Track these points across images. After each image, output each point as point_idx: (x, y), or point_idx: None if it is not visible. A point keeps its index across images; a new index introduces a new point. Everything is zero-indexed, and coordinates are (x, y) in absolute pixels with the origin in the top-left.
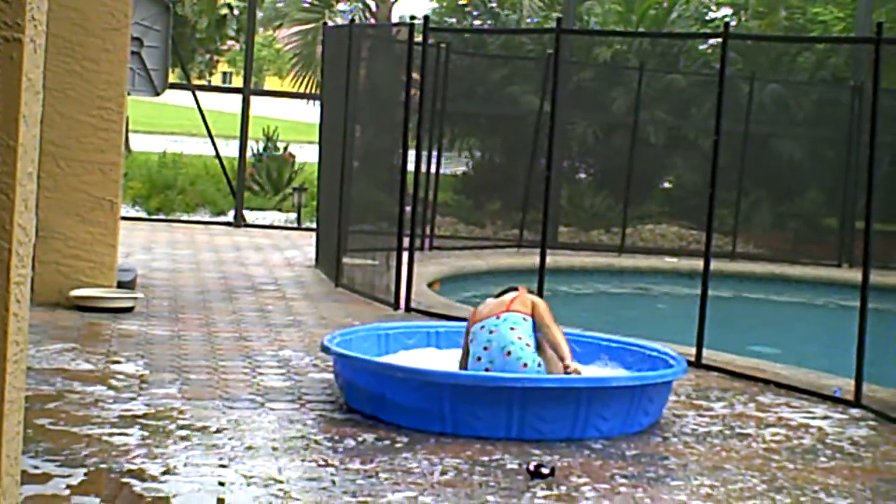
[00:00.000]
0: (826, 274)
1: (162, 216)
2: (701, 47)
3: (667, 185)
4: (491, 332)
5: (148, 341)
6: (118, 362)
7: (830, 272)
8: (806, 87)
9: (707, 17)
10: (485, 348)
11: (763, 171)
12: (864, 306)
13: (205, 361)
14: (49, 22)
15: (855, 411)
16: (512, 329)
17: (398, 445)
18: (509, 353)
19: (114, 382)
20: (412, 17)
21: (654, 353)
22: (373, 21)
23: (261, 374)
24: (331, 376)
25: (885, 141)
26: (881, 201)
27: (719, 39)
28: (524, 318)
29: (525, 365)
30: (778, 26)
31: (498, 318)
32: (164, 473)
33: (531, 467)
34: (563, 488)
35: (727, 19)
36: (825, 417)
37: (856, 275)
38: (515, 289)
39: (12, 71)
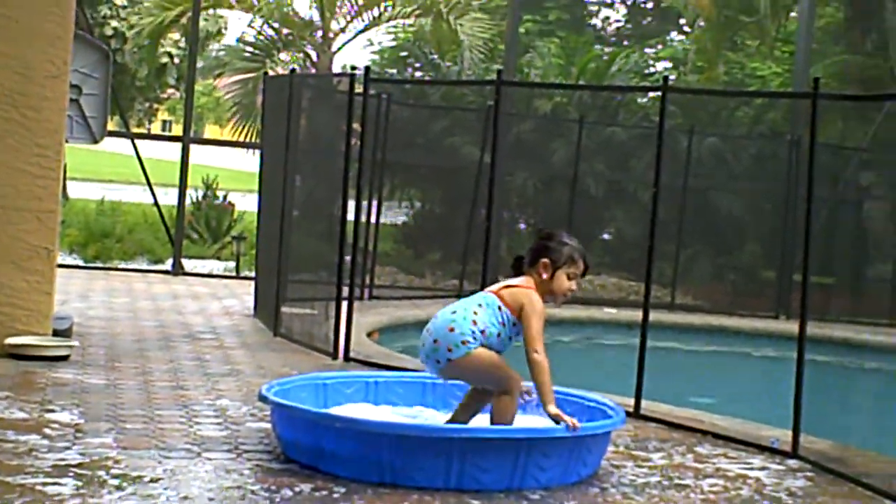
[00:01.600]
0: (764, 326)
1: (99, 264)
2: (641, 100)
3: (606, 236)
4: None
5: (83, 390)
6: (53, 411)
7: (768, 324)
8: (744, 140)
9: (647, 71)
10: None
11: (702, 224)
12: (801, 358)
13: (141, 410)
14: None
15: (792, 462)
16: (475, 311)
17: (336, 496)
18: (451, 328)
19: (48, 431)
20: (353, 68)
21: (593, 404)
22: (314, 71)
23: (197, 423)
24: (268, 426)
25: (822, 194)
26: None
27: (658, 93)
28: (499, 308)
29: (451, 329)
30: (717, 81)
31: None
32: None
33: None
34: None
35: (666, 73)
36: (763, 468)
37: (793, 326)
38: (537, 261)
39: None
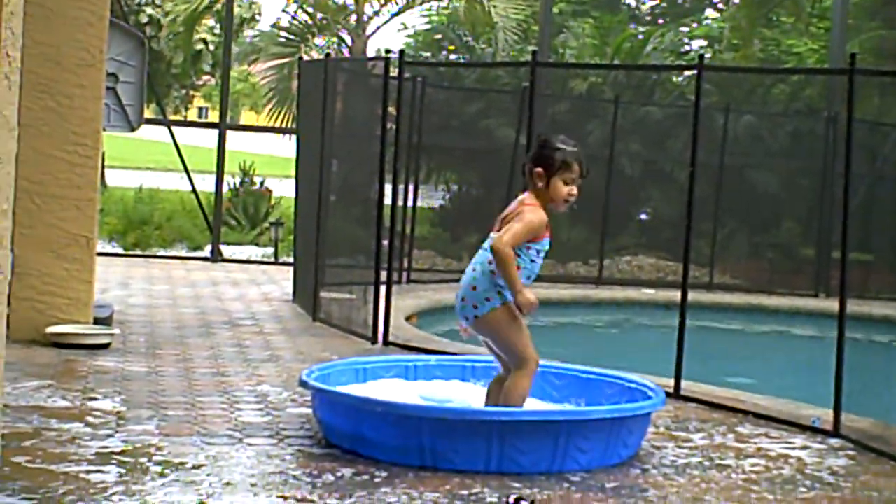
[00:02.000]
0: (803, 304)
1: (138, 252)
2: (676, 79)
3: (643, 216)
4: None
5: (125, 378)
6: (95, 399)
7: (807, 302)
8: (781, 118)
9: (682, 50)
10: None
11: (739, 202)
12: (841, 336)
13: (182, 397)
14: (23, 58)
15: (834, 441)
16: (489, 260)
17: (377, 480)
18: (474, 286)
19: (91, 419)
20: (388, 51)
21: (633, 385)
22: (348, 55)
23: (239, 409)
24: (309, 411)
25: (860, 171)
26: (857, 231)
27: (694, 71)
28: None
29: (474, 287)
30: (752, 58)
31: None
32: None
33: (511, 500)
34: None
35: (702, 51)
36: (804, 448)
37: (833, 304)
38: (533, 172)
39: None
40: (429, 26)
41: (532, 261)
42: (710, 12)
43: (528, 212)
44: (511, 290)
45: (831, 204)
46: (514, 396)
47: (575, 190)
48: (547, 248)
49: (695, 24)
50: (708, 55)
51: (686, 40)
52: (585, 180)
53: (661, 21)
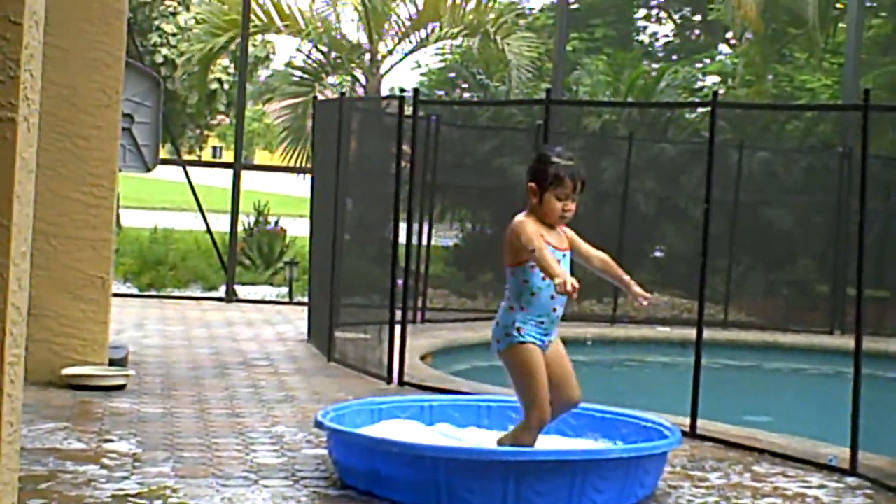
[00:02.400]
0: (818, 341)
1: (153, 292)
2: (690, 116)
3: (658, 254)
4: None
5: (140, 419)
6: (111, 441)
7: (823, 339)
8: (795, 154)
9: (695, 86)
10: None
11: (754, 239)
12: (857, 373)
13: (198, 439)
14: (41, 100)
15: (851, 480)
16: (507, 293)
17: None
18: (497, 321)
19: (106, 461)
20: (402, 90)
21: (649, 424)
22: (363, 93)
23: (254, 450)
24: (325, 452)
25: (875, 207)
26: (872, 267)
27: (708, 108)
28: (511, 274)
29: (497, 322)
30: (766, 94)
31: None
32: None
33: None
34: None
35: (715, 88)
36: (821, 486)
37: (848, 341)
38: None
39: (6, 150)
40: (443, 65)
41: (543, 277)
42: (723, 48)
43: (514, 225)
44: (551, 275)
45: (846, 240)
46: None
47: (571, 206)
48: (555, 257)
49: (707, 61)
50: (721, 91)
51: (699, 76)
52: (600, 218)
53: (674, 57)
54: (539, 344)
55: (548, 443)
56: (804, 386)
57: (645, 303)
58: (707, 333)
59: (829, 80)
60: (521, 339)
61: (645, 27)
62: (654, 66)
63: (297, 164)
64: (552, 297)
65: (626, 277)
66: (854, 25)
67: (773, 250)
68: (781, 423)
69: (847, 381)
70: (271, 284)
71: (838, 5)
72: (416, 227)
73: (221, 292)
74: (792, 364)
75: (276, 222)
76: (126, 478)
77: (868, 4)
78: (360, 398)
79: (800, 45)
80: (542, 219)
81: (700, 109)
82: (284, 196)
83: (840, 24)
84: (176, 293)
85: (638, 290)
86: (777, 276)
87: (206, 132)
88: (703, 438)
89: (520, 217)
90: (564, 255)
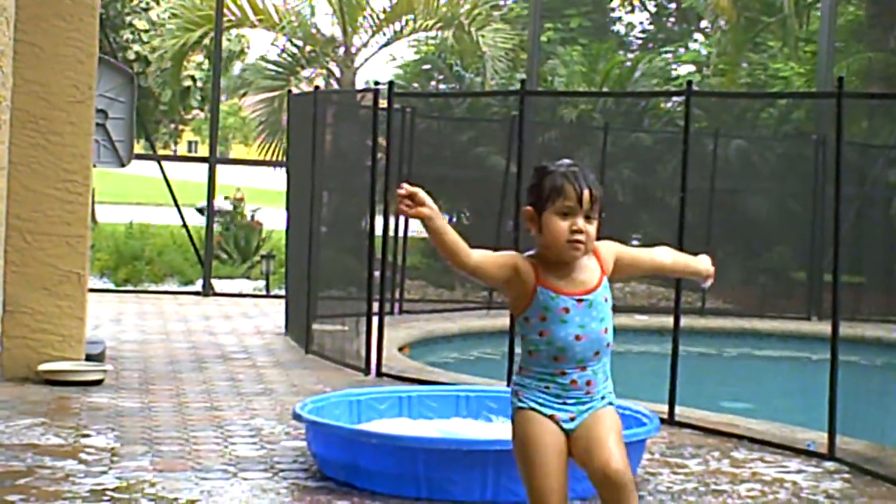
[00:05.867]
0: (796, 327)
1: (130, 287)
2: (665, 105)
3: (635, 242)
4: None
5: (118, 414)
6: (88, 436)
7: (800, 325)
8: (770, 141)
9: (670, 75)
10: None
11: (730, 227)
12: (834, 359)
13: (176, 432)
14: (13, 96)
15: (829, 464)
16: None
17: None
18: None
19: (84, 456)
20: (376, 83)
21: (627, 412)
22: (338, 87)
23: (233, 443)
24: (303, 444)
25: (850, 193)
26: (848, 253)
27: (683, 97)
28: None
29: None
30: (740, 83)
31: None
32: None
33: None
34: None
35: (690, 77)
36: (799, 471)
37: (825, 327)
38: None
39: None
40: (418, 57)
41: (540, 333)
42: (698, 36)
43: None
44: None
45: (822, 227)
46: None
47: (580, 224)
48: (558, 306)
49: (682, 50)
50: (696, 80)
51: (674, 65)
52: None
53: (649, 46)
54: (545, 413)
55: None
56: (782, 372)
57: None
58: (684, 321)
59: (802, 69)
60: (520, 404)
61: (620, 17)
62: (630, 55)
63: (274, 158)
64: (555, 360)
65: (697, 265)
66: (828, 13)
67: (750, 238)
68: (760, 410)
69: (824, 367)
70: (248, 278)
71: None
72: (392, 218)
73: (198, 286)
74: (769, 350)
75: (253, 216)
76: (104, 472)
77: None
78: (339, 390)
79: (773, 34)
80: (548, 255)
81: (675, 98)
82: (261, 190)
83: (814, 12)
84: (153, 288)
85: (703, 265)
86: (754, 263)
87: (181, 127)
88: (682, 425)
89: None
90: (584, 301)
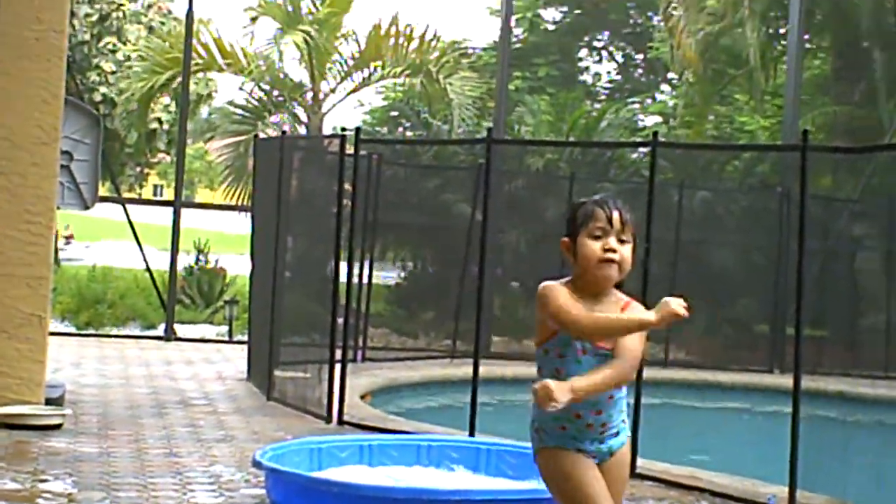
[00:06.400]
0: (758, 380)
1: (91, 331)
2: (631, 155)
3: None
4: None
5: (76, 458)
6: (46, 480)
7: (763, 378)
8: (735, 194)
9: (637, 126)
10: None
11: (695, 278)
12: (796, 412)
13: (134, 479)
14: None
15: None
16: None
17: None
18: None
19: (41, 502)
20: (343, 129)
21: None
22: (305, 132)
23: (192, 490)
24: (263, 492)
25: (814, 247)
26: (811, 307)
27: (649, 148)
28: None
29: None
30: (705, 135)
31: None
32: None
33: None
34: None
35: (656, 128)
36: None
37: (788, 380)
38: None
39: None
40: (385, 103)
41: (556, 370)
42: (665, 87)
43: (540, 290)
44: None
45: (786, 279)
46: None
47: (612, 243)
48: (577, 348)
49: (649, 101)
50: (662, 131)
51: (640, 116)
52: (541, 257)
53: (617, 95)
54: (570, 448)
55: (489, 484)
56: (744, 425)
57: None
58: (647, 372)
59: (767, 123)
60: (545, 443)
61: (587, 67)
62: (597, 105)
63: (240, 203)
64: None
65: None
66: (794, 66)
67: (714, 289)
68: (722, 462)
69: (786, 420)
70: (211, 323)
71: (779, 46)
72: (357, 265)
73: (161, 331)
74: (732, 403)
75: (217, 261)
76: None
77: (808, 46)
78: (300, 437)
79: (740, 86)
80: (582, 283)
81: (641, 149)
82: (226, 235)
83: (780, 65)
84: (114, 332)
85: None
86: (718, 314)
87: (146, 170)
88: (644, 478)
89: (548, 282)
90: (601, 353)
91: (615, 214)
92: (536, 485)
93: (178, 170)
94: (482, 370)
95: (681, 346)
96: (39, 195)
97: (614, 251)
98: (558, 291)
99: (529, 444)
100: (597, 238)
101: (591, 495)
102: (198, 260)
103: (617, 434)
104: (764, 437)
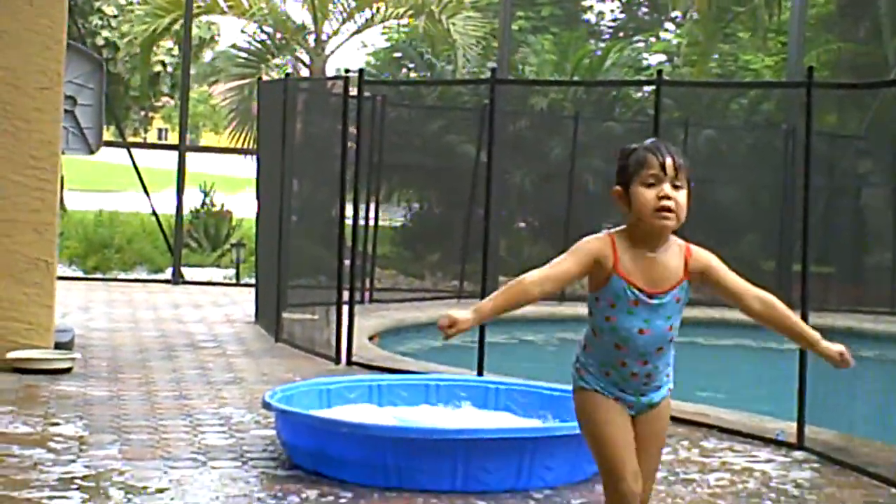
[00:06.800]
0: None
1: (99, 275)
2: (636, 95)
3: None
4: None
5: (87, 402)
6: (57, 424)
7: None
8: (740, 132)
9: (641, 65)
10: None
11: (700, 216)
12: (803, 349)
13: (145, 421)
14: None
15: (798, 454)
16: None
17: (342, 500)
18: None
19: (53, 445)
20: (347, 70)
21: None
22: (308, 74)
23: (202, 432)
24: (273, 433)
25: (819, 184)
26: (817, 244)
27: (653, 87)
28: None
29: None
30: (709, 73)
31: None
32: None
33: None
34: None
35: (660, 67)
36: (769, 461)
37: None
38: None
39: None
40: (389, 45)
41: (606, 318)
42: (669, 26)
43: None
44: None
45: (792, 217)
46: None
47: (668, 190)
48: (629, 298)
49: (653, 40)
50: (666, 70)
51: (644, 55)
52: (547, 197)
53: (620, 35)
54: (608, 396)
55: (496, 420)
56: (752, 362)
57: (848, 363)
58: None
59: (770, 61)
60: (584, 384)
61: (591, 6)
62: (601, 44)
63: (245, 146)
64: (617, 347)
65: (811, 333)
66: (798, 3)
67: (719, 227)
68: (729, 399)
69: (794, 357)
70: (218, 266)
71: None
72: (362, 207)
73: (168, 275)
74: (739, 340)
75: (223, 204)
76: (73, 461)
77: None
78: (308, 379)
79: (744, 24)
80: (638, 232)
81: (646, 88)
82: (231, 178)
83: (784, 2)
84: (122, 276)
85: (832, 348)
86: (723, 252)
87: (150, 114)
88: None
89: (589, 237)
90: (655, 300)
91: (668, 160)
92: (542, 423)
93: (181, 114)
94: None
95: None
96: (43, 140)
97: (670, 199)
98: (590, 241)
99: (537, 383)
100: (650, 186)
101: (613, 443)
102: (204, 203)
103: (659, 388)
104: (772, 373)
